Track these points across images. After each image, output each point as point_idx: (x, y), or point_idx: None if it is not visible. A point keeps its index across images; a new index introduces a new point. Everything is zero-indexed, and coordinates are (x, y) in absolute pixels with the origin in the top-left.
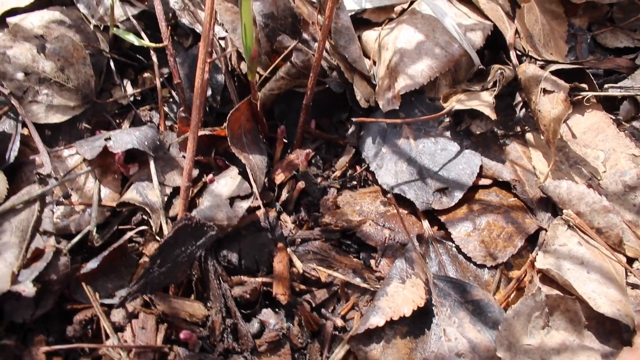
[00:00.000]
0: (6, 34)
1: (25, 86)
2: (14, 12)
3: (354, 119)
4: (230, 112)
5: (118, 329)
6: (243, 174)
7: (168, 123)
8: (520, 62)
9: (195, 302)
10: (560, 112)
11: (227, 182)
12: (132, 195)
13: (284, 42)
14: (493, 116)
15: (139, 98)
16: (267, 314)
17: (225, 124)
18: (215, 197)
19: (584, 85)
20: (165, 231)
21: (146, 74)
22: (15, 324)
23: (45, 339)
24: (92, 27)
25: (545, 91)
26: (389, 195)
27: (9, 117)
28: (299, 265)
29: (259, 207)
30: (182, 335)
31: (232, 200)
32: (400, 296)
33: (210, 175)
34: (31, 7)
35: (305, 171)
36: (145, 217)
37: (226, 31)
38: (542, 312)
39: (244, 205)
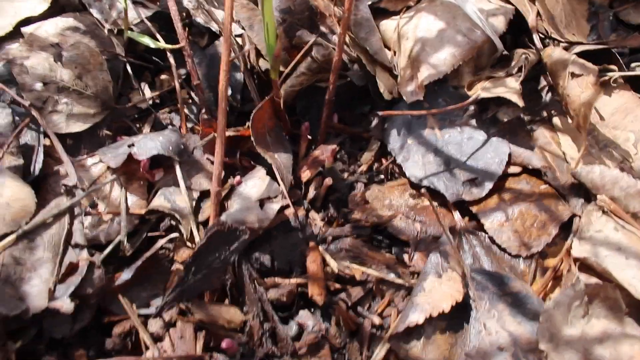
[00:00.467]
0: (22, 44)
1: (44, 96)
2: (27, 21)
3: (380, 113)
4: (254, 111)
5: (157, 339)
6: (269, 173)
7: (189, 124)
8: (543, 44)
9: (232, 308)
10: (590, 96)
11: (255, 183)
12: (160, 202)
13: (304, 37)
14: (521, 103)
15: (158, 101)
16: (304, 316)
17: (248, 124)
18: (244, 200)
19: (614, 67)
20: (196, 237)
21: (163, 76)
22: (55, 340)
23: (85, 353)
24: (106, 31)
25: (573, 75)
26: (422, 191)
27: (31, 128)
28: (333, 265)
29: (287, 207)
30: (224, 345)
31: (261, 201)
32: (437, 291)
33: (238, 177)
34: (44, 15)
35: (331, 167)
36: (174, 223)
37: (243, 28)
38: (581, 301)
39: (274, 206)
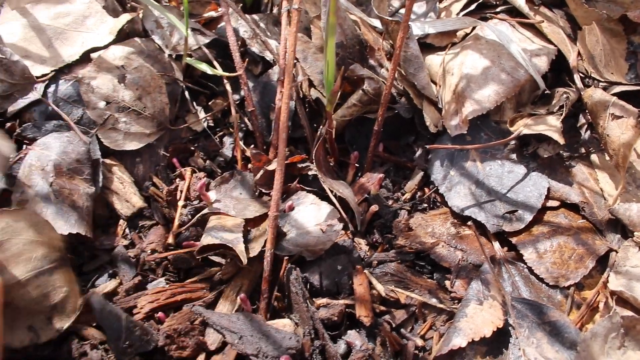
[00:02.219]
0: (91, 65)
1: (106, 114)
2: (93, 50)
3: (427, 146)
4: (316, 144)
5: None
6: (322, 198)
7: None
8: (583, 83)
9: (288, 324)
10: (630, 137)
11: (309, 209)
12: (209, 239)
13: (357, 71)
14: (562, 141)
15: (212, 124)
16: (352, 336)
17: (296, 151)
18: (300, 224)
19: None
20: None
21: (217, 101)
22: None
23: None
24: (166, 56)
25: (613, 116)
26: (469, 223)
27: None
28: (380, 288)
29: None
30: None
31: (319, 225)
32: (479, 317)
33: (290, 203)
34: (109, 46)
35: (376, 194)
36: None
37: (297, 60)
38: (618, 333)
39: (336, 229)
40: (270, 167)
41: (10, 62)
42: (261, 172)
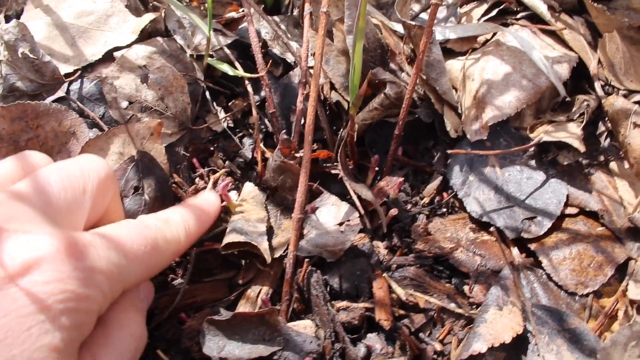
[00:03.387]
0: (114, 65)
1: (128, 114)
2: (116, 49)
3: (449, 151)
4: (340, 146)
5: None
6: (342, 199)
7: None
8: (603, 91)
9: (309, 325)
10: None
11: (329, 210)
12: (232, 237)
13: (379, 75)
14: (582, 149)
15: (232, 125)
16: (372, 339)
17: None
18: (322, 225)
19: None
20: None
21: (237, 101)
22: None
23: None
24: (188, 56)
25: (635, 125)
26: (491, 229)
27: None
28: (400, 292)
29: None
30: None
31: (339, 225)
32: (499, 323)
33: (313, 204)
34: (132, 45)
35: (395, 198)
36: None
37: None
38: (638, 342)
39: (354, 229)
40: (298, 154)
41: (42, 63)
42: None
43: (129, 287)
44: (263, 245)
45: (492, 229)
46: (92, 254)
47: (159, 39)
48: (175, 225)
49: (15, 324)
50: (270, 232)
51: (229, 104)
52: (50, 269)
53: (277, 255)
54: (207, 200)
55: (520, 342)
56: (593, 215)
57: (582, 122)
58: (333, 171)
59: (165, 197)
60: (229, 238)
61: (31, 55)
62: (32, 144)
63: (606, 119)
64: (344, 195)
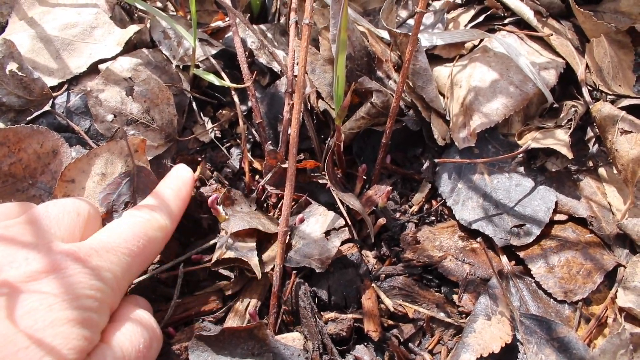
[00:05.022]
0: (99, 77)
1: (114, 127)
2: (100, 62)
3: (436, 160)
4: (327, 157)
5: None
6: (330, 208)
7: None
8: (591, 96)
9: (297, 337)
10: (639, 152)
11: (317, 219)
12: (223, 252)
13: (365, 84)
14: (570, 155)
15: (219, 135)
16: (361, 351)
17: (302, 158)
18: (309, 235)
19: None
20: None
21: (224, 111)
22: None
23: None
24: (174, 67)
25: (622, 131)
26: (479, 239)
27: None
28: (388, 303)
29: (346, 242)
30: None
31: (326, 234)
32: (487, 333)
33: (301, 216)
34: (117, 57)
35: (384, 207)
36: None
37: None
38: (627, 350)
39: (340, 235)
40: (284, 166)
41: (30, 80)
42: (273, 170)
43: (133, 279)
44: (253, 261)
45: (479, 238)
46: (95, 258)
47: (145, 50)
48: (159, 212)
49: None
50: (260, 245)
51: (216, 114)
52: (63, 269)
53: (267, 269)
54: (180, 176)
55: (510, 352)
56: (582, 222)
57: (570, 128)
58: (321, 181)
59: None
60: (218, 254)
61: (19, 73)
62: (15, 167)
63: (594, 124)
64: (332, 205)
